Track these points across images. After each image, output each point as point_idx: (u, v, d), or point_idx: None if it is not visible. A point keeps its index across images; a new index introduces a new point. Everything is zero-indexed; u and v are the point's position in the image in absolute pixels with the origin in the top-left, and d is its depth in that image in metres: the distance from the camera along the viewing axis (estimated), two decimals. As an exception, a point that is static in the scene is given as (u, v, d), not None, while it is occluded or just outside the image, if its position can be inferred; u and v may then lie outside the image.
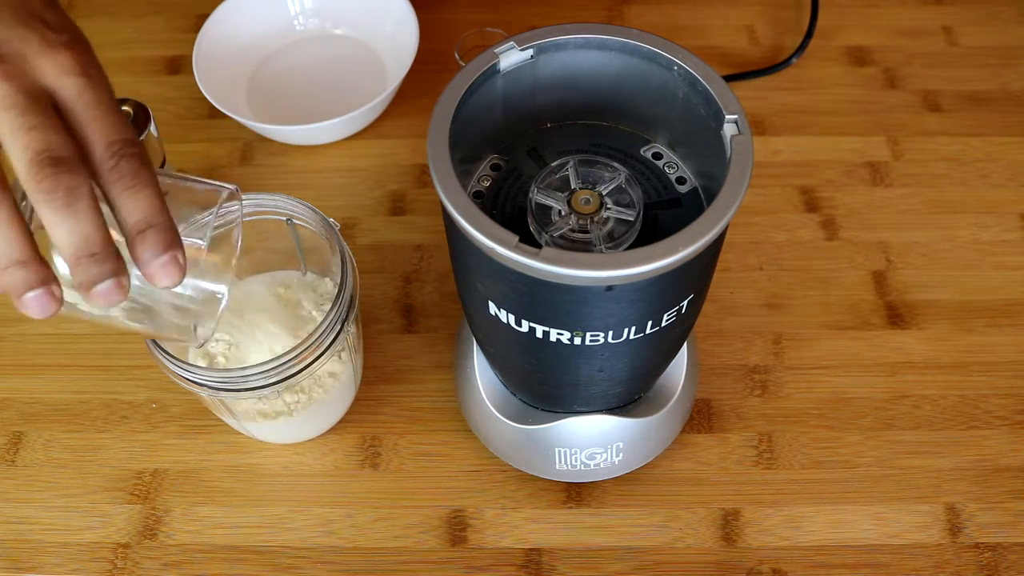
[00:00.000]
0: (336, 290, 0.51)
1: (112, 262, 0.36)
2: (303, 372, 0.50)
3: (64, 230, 0.35)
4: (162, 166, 0.60)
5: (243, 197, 0.48)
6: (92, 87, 0.38)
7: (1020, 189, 0.69)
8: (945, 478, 0.57)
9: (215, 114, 0.72)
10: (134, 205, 0.37)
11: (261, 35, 0.77)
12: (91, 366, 0.62)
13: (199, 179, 0.41)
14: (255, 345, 0.56)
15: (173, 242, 0.37)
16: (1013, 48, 0.78)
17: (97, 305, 0.37)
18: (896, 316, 0.63)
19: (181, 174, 0.42)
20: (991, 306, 0.64)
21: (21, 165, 0.35)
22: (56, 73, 0.37)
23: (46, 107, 0.36)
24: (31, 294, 0.36)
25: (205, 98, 0.70)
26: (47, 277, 0.36)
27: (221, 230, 0.42)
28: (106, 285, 0.36)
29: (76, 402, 0.61)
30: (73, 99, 0.37)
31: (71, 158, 0.36)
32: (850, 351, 0.62)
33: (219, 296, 0.41)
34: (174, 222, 0.38)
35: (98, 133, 0.37)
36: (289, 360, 0.49)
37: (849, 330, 0.63)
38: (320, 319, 0.56)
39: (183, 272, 0.38)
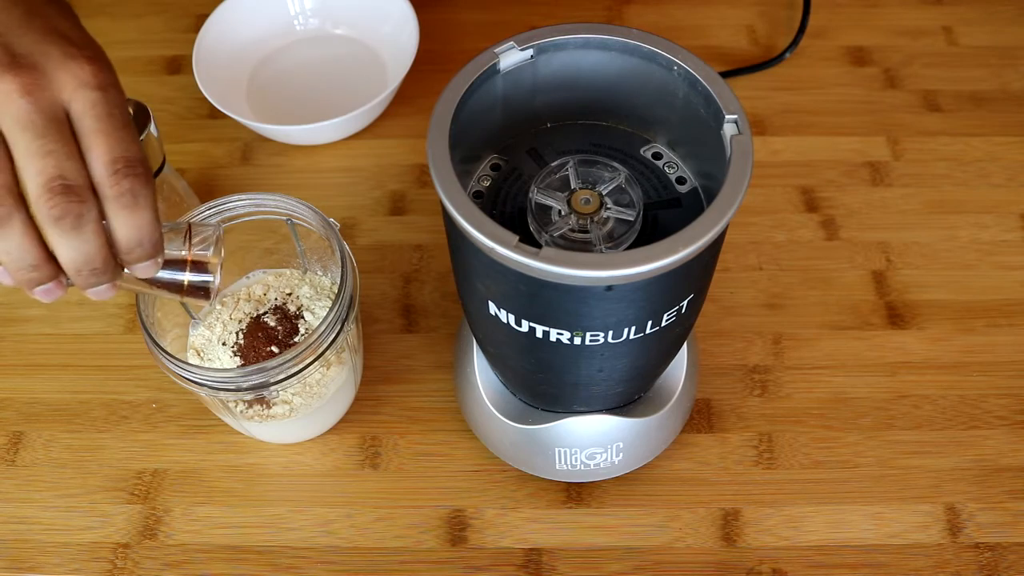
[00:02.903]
0: (336, 290, 0.51)
1: (109, 272, 0.40)
2: (303, 372, 0.50)
3: (69, 249, 0.38)
4: (162, 166, 0.60)
5: (243, 197, 0.54)
6: (105, 101, 0.38)
7: (1020, 189, 0.69)
8: (945, 478, 0.57)
9: (215, 114, 0.72)
10: (126, 226, 0.39)
11: (261, 35, 0.77)
12: (91, 366, 0.62)
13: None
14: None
15: (155, 253, 0.41)
16: (1013, 48, 0.78)
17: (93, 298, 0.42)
18: (896, 316, 0.63)
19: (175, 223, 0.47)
20: (991, 306, 0.64)
21: (33, 186, 0.37)
22: (74, 85, 0.38)
23: (62, 129, 0.37)
24: (40, 288, 0.40)
25: (205, 98, 0.70)
26: (52, 275, 0.39)
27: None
28: (101, 288, 0.41)
29: (76, 402, 0.61)
30: (85, 112, 0.38)
31: (82, 186, 0.37)
32: (850, 351, 0.62)
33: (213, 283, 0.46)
34: (161, 234, 0.41)
35: (102, 148, 0.38)
36: (289, 360, 0.49)
37: (849, 330, 0.63)
38: (320, 319, 0.56)
39: (158, 267, 0.42)
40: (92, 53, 0.39)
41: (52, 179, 0.37)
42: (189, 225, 0.45)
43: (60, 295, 0.40)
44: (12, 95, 0.36)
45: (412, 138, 0.73)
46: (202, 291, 0.45)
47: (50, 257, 0.39)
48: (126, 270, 0.41)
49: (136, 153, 0.39)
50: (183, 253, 0.44)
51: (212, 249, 0.45)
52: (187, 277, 0.44)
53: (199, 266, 0.45)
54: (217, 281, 0.45)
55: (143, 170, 0.39)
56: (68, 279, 0.40)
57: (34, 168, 0.37)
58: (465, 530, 0.56)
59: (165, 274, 0.44)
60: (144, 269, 0.41)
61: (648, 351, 0.46)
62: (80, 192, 0.37)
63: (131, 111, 0.57)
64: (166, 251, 0.43)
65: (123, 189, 0.38)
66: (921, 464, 0.57)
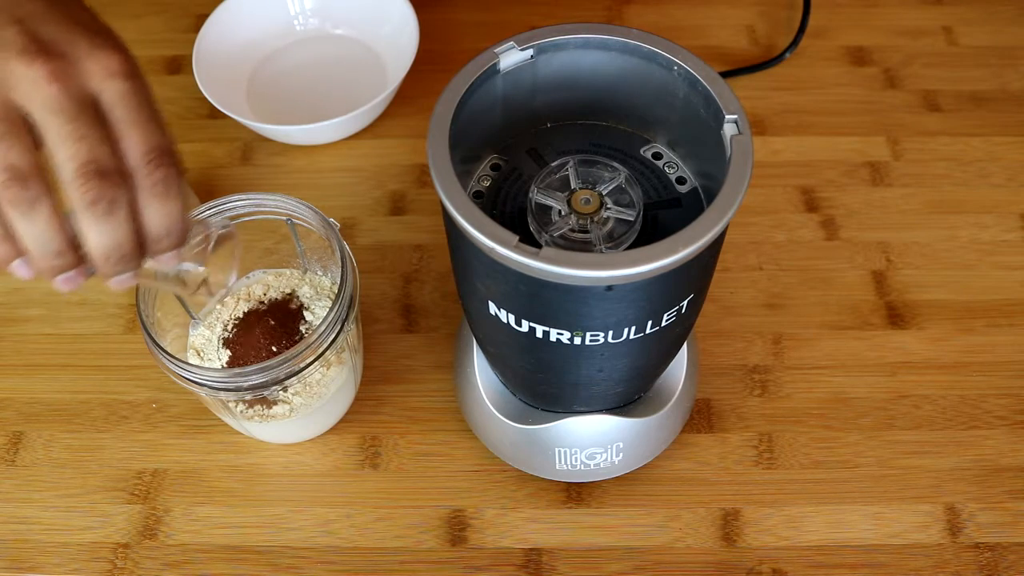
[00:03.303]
0: (336, 290, 0.51)
1: (135, 260, 0.40)
2: (303, 372, 0.50)
3: (99, 234, 0.38)
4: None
5: (243, 197, 0.54)
6: (135, 91, 0.39)
7: (1020, 189, 0.69)
8: (945, 478, 0.57)
9: (215, 114, 0.72)
10: (158, 214, 0.39)
11: (261, 35, 0.77)
12: (91, 366, 0.62)
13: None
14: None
15: (180, 244, 0.41)
16: (1013, 48, 0.78)
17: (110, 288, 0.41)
18: (896, 316, 0.63)
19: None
20: (991, 306, 0.64)
21: (66, 172, 0.37)
22: (102, 75, 0.38)
23: (94, 115, 0.37)
24: (61, 277, 0.40)
25: (205, 98, 0.70)
26: (75, 262, 0.39)
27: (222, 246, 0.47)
28: (124, 277, 0.41)
29: (76, 402, 0.61)
30: (116, 102, 0.38)
31: (115, 171, 0.37)
32: (850, 351, 0.62)
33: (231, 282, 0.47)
34: (186, 225, 0.41)
35: (137, 138, 0.38)
36: (289, 360, 0.49)
37: (849, 330, 0.63)
38: (320, 319, 0.56)
39: (180, 260, 0.42)
40: (116, 43, 0.39)
41: (86, 163, 0.37)
42: (203, 222, 0.45)
43: (80, 284, 0.40)
44: (41, 81, 0.36)
45: (412, 138, 0.73)
46: (212, 286, 0.46)
47: (74, 244, 0.39)
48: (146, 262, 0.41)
49: (168, 144, 0.39)
50: (201, 247, 0.44)
51: (225, 245, 0.45)
52: (205, 272, 0.45)
53: (215, 263, 0.45)
54: (232, 278, 0.46)
55: (175, 160, 0.39)
56: (90, 268, 0.40)
57: (67, 152, 0.37)
58: (465, 530, 0.56)
59: (185, 267, 0.44)
60: (168, 259, 0.41)
61: (648, 351, 0.46)
62: (114, 176, 0.37)
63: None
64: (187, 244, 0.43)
65: (157, 179, 0.38)
66: (921, 464, 0.57)
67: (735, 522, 0.55)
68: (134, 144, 0.38)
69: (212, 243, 0.45)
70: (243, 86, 0.75)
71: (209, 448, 0.59)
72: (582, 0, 0.82)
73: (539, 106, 0.47)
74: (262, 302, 0.58)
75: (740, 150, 0.41)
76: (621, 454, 0.54)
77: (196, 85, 0.70)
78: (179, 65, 0.78)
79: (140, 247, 0.40)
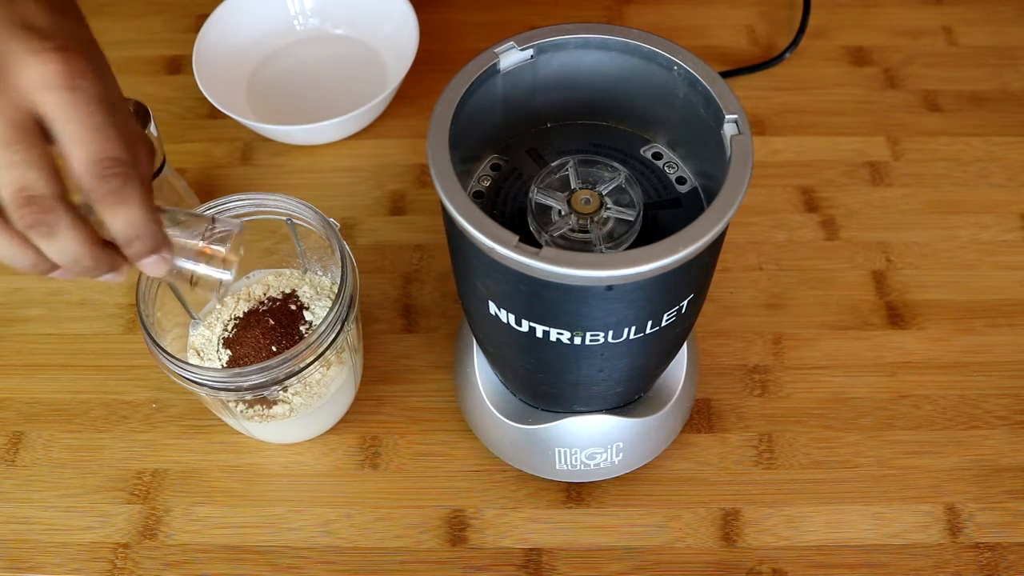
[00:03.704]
0: (336, 290, 0.51)
1: (104, 266, 0.40)
2: (303, 372, 0.50)
3: (52, 252, 0.38)
4: (162, 166, 0.60)
5: (243, 197, 0.54)
6: (75, 101, 0.36)
7: (1020, 189, 0.69)
8: (945, 478, 0.57)
9: (215, 114, 0.72)
10: (119, 222, 0.39)
11: (261, 35, 0.77)
12: (91, 366, 0.62)
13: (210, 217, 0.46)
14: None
15: (156, 246, 0.40)
16: (1013, 48, 0.78)
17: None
18: (896, 316, 0.63)
19: (194, 212, 0.46)
20: (991, 306, 0.64)
21: (4, 196, 0.37)
22: (40, 86, 0.36)
23: (27, 136, 0.36)
24: (103, 277, 0.41)
25: (205, 98, 0.70)
26: (113, 263, 0.40)
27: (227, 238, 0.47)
28: (108, 277, 0.41)
29: (76, 402, 0.61)
30: (55, 116, 0.36)
31: (48, 195, 0.37)
32: (850, 351, 0.62)
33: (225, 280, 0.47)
34: (159, 225, 0.40)
35: (78, 153, 0.37)
36: (289, 360, 0.49)
37: (849, 330, 0.63)
38: (320, 319, 0.56)
39: (168, 264, 0.42)
40: (60, 43, 0.36)
41: (18, 191, 0.36)
42: (213, 218, 0.45)
43: (123, 279, 0.41)
44: None
45: (412, 138, 0.73)
46: (214, 281, 0.45)
47: (101, 251, 0.39)
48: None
49: (115, 151, 0.37)
50: (200, 244, 0.44)
51: (229, 245, 0.45)
52: (200, 269, 0.44)
53: (215, 259, 0.44)
54: (230, 276, 0.45)
55: (125, 168, 0.37)
56: (127, 267, 0.41)
57: (2, 180, 0.36)
58: (465, 530, 0.56)
59: (179, 263, 0.44)
60: (151, 265, 0.41)
61: (648, 351, 0.46)
62: (44, 202, 0.36)
63: (131, 110, 0.57)
64: (184, 239, 0.43)
65: (106, 190, 0.37)
66: (921, 464, 0.57)
67: (735, 522, 0.55)
68: (77, 161, 0.37)
69: (231, 244, 0.45)
70: (243, 86, 0.75)
71: (209, 448, 0.59)
72: (582, 0, 0.82)
73: (539, 106, 0.47)
74: (262, 302, 0.58)
75: (740, 150, 0.41)
76: (621, 454, 0.54)
77: (196, 85, 0.70)
78: (179, 65, 0.78)
79: (110, 252, 0.40)
